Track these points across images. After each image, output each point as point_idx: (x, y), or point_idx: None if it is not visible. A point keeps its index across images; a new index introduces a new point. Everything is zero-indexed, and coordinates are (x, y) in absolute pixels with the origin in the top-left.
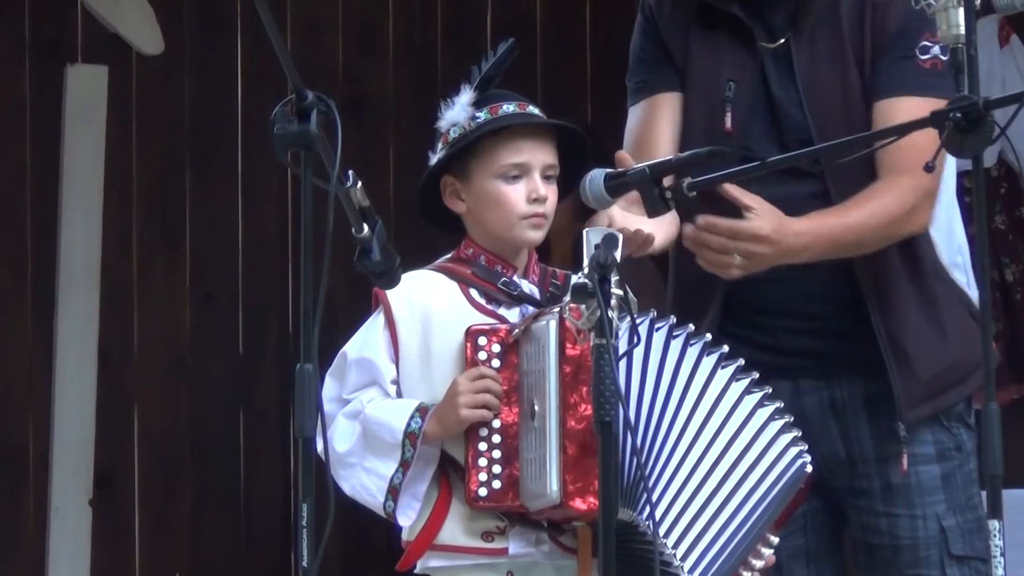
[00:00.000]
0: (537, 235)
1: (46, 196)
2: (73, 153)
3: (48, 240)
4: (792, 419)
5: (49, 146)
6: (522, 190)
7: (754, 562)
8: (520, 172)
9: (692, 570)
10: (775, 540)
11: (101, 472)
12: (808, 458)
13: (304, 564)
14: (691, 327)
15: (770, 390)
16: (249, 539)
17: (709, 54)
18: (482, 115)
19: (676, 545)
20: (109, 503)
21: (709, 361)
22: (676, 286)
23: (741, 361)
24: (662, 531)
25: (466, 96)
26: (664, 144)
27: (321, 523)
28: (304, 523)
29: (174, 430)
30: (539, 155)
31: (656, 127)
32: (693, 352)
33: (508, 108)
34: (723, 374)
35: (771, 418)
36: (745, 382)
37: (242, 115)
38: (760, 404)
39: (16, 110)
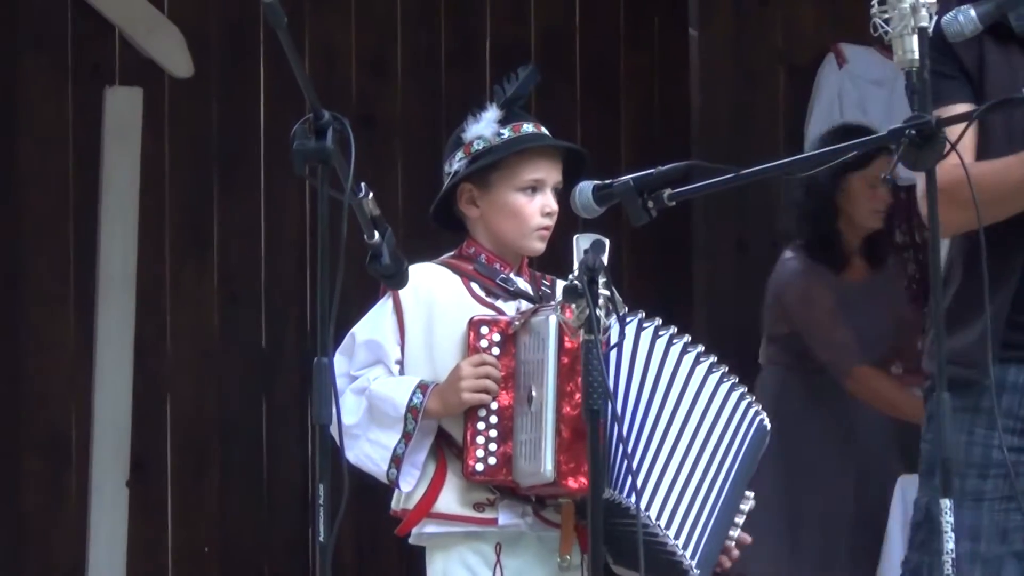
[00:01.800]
0: (542, 246)
1: (87, 206)
2: (111, 167)
3: (89, 246)
4: (737, 379)
5: (90, 161)
6: (537, 204)
7: (737, 520)
8: (537, 187)
9: (694, 556)
10: (751, 494)
11: (137, 456)
12: (764, 415)
13: (321, 539)
14: (674, 328)
15: (725, 368)
16: (271, 517)
17: (1004, 65)
18: (506, 132)
19: (678, 535)
20: (144, 485)
21: (689, 358)
22: (965, 278)
23: (714, 358)
24: (661, 520)
25: (492, 113)
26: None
27: (336, 503)
28: (321, 503)
29: (203, 418)
30: (553, 173)
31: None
32: (675, 351)
33: (528, 128)
34: (701, 369)
35: (720, 381)
36: (718, 373)
37: (265, 133)
38: (732, 388)
39: (60, 128)
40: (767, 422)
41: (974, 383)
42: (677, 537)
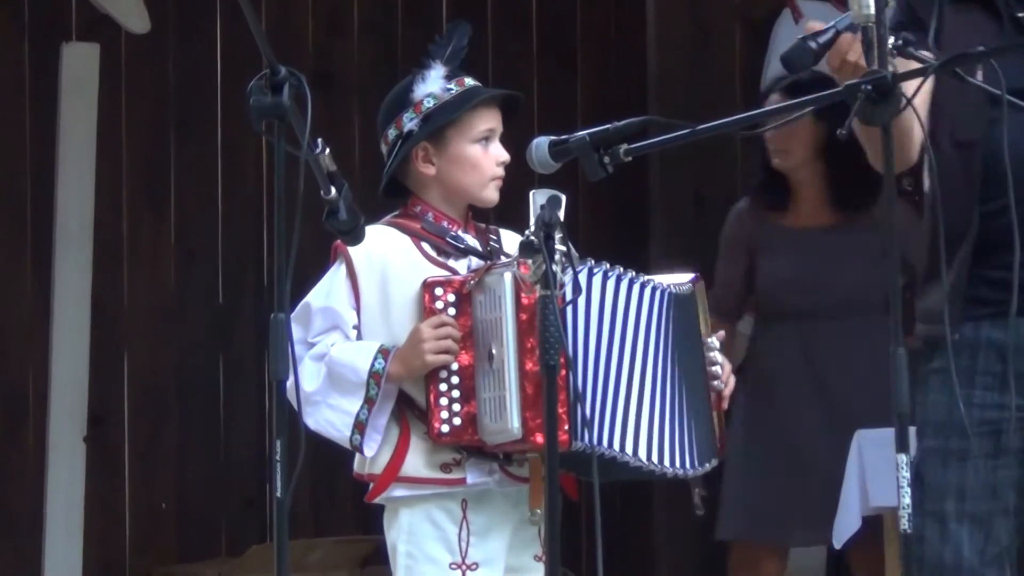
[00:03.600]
0: (497, 196)
1: (44, 162)
2: (68, 124)
3: (46, 202)
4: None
5: (47, 117)
6: (492, 153)
7: (715, 383)
8: (489, 136)
9: (685, 465)
10: (717, 335)
11: (94, 412)
12: (664, 284)
13: (278, 495)
14: (620, 268)
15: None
16: (228, 473)
17: (961, 24)
18: (453, 87)
19: (671, 463)
20: (101, 440)
21: (636, 289)
22: (931, 234)
23: (654, 280)
24: (650, 458)
25: (439, 71)
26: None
27: (293, 459)
28: (278, 458)
29: (160, 374)
30: (498, 123)
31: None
32: (624, 286)
33: (469, 81)
34: (646, 294)
35: (642, 289)
36: (650, 285)
37: (221, 89)
38: (632, 283)
39: (17, 84)
40: (668, 286)
41: (944, 341)
42: (672, 465)
